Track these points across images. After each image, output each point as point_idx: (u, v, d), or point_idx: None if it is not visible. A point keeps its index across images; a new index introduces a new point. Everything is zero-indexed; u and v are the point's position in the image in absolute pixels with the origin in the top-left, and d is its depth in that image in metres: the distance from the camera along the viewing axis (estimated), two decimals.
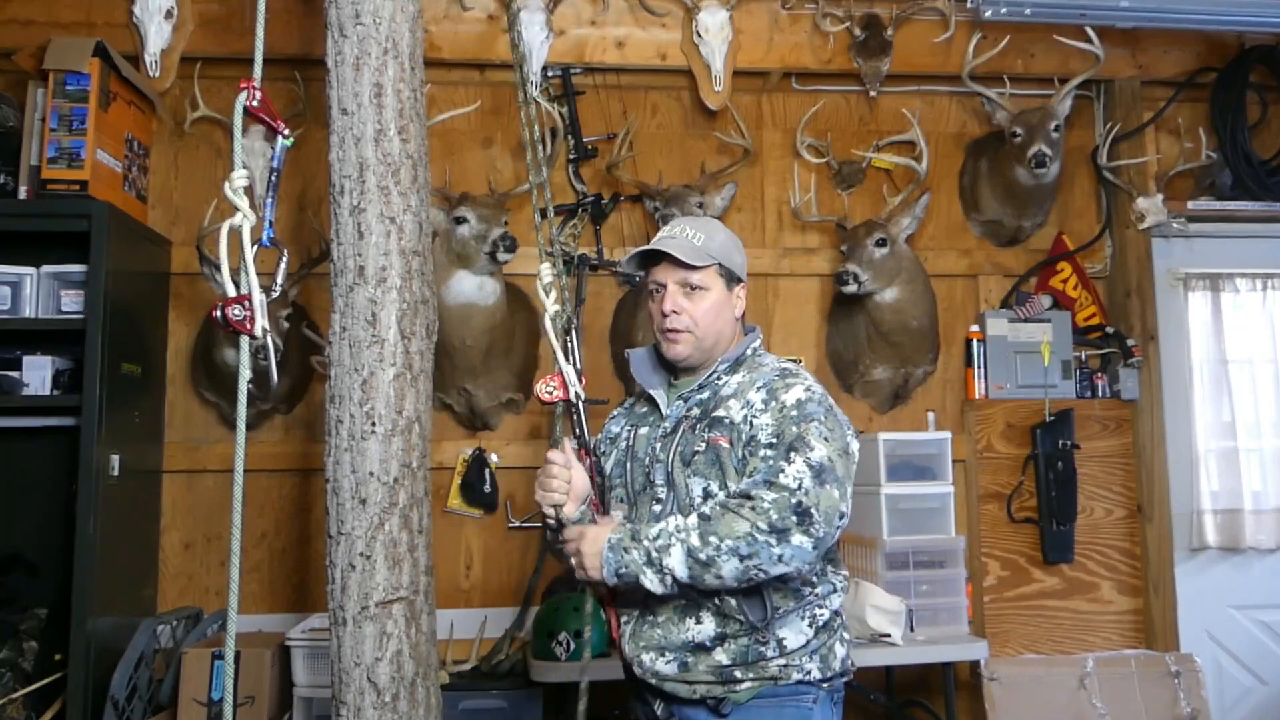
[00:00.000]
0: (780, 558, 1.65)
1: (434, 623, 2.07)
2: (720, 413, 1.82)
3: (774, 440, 1.74)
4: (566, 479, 1.87)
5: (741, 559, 1.65)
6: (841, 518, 1.70)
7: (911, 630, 3.01)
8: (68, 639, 2.66)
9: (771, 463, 1.71)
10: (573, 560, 1.78)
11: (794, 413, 1.76)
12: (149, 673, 2.80)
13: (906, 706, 3.27)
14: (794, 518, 1.64)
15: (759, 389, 1.82)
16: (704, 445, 1.81)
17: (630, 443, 1.93)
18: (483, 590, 3.30)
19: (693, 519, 1.71)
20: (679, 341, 1.88)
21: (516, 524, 3.29)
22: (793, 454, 1.70)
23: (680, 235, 1.90)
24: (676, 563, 1.67)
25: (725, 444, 1.79)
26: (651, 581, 1.69)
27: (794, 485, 1.66)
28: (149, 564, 3.13)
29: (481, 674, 3.01)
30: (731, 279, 1.93)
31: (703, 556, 1.65)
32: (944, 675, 3.03)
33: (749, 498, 1.68)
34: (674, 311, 1.87)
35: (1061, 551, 3.40)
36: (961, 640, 3.06)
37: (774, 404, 1.78)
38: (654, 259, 1.91)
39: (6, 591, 2.90)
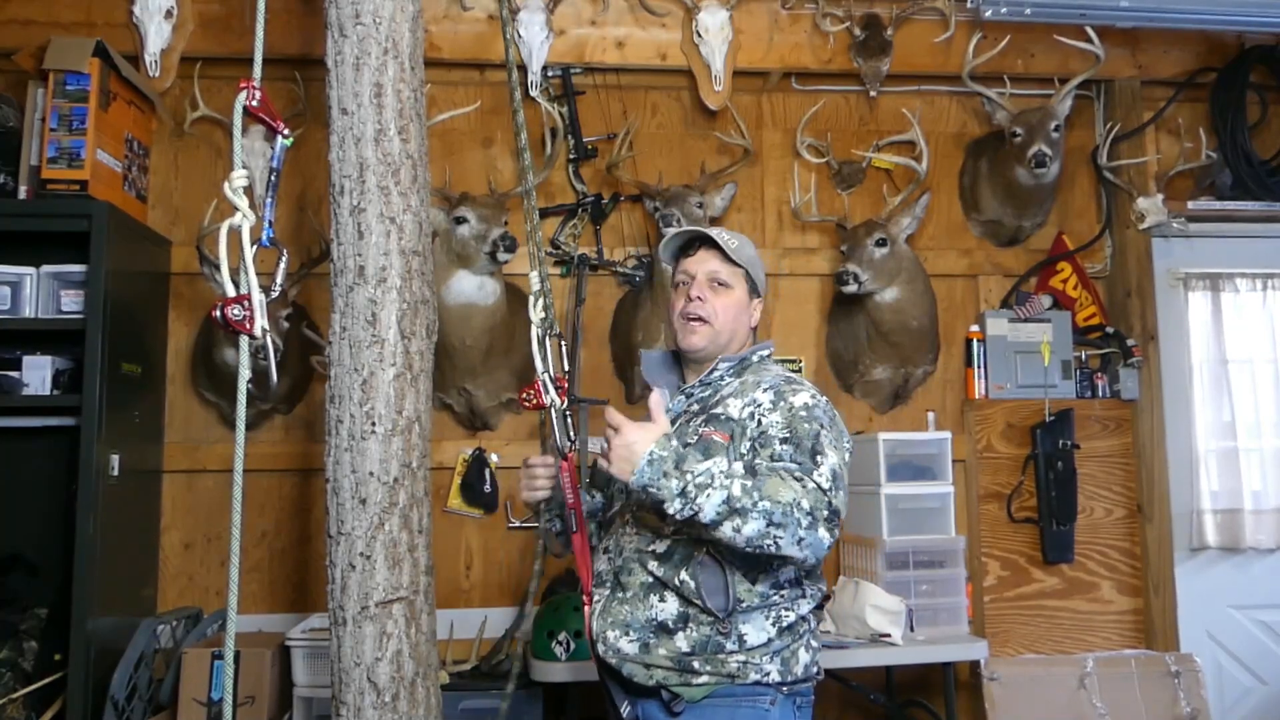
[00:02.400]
0: (800, 540, 1.67)
1: (434, 623, 2.07)
2: (718, 410, 1.87)
3: (788, 435, 1.78)
4: (550, 474, 2.00)
5: (770, 523, 1.66)
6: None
7: (911, 630, 3.01)
8: (68, 639, 2.66)
9: (801, 461, 1.75)
10: (598, 448, 1.75)
11: (803, 413, 1.81)
12: (149, 673, 2.80)
13: (906, 706, 3.27)
14: (825, 513, 1.70)
15: (765, 390, 1.86)
16: (695, 439, 1.85)
17: None
18: (483, 590, 3.30)
19: (739, 467, 1.74)
20: (696, 331, 1.95)
21: (516, 524, 3.29)
22: (818, 457, 1.75)
23: (718, 235, 2.00)
24: (709, 504, 1.66)
25: (720, 438, 1.83)
26: (672, 506, 1.68)
27: (826, 487, 1.72)
28: (149, 564, 3.13)
29: (481, 674, 3.01)
30: (754, 290, 2.01)
31: (738, 505, 1.65)
32: (944, 675, 3.03)
33: (797, 479, 1.70)
34: (700, 298, 1.95)
35: (1061, 551, 3.40)
36: (961, 640, 3.06)
37: (783, 404, 1.83)
38: (687, 251, 2.01)
39: (6, 591, 2.90)
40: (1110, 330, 3.54)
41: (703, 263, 1.97)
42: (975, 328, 3.54)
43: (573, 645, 2.77)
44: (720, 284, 1.96)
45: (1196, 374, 3.67)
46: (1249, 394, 3.67)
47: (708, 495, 1.66)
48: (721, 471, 1.69)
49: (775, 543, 1.67)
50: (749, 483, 1.68)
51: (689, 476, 1.68)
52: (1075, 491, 3.39)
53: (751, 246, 2.05)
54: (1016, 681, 3.12)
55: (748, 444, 1.81)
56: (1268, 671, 3.59)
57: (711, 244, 1.97)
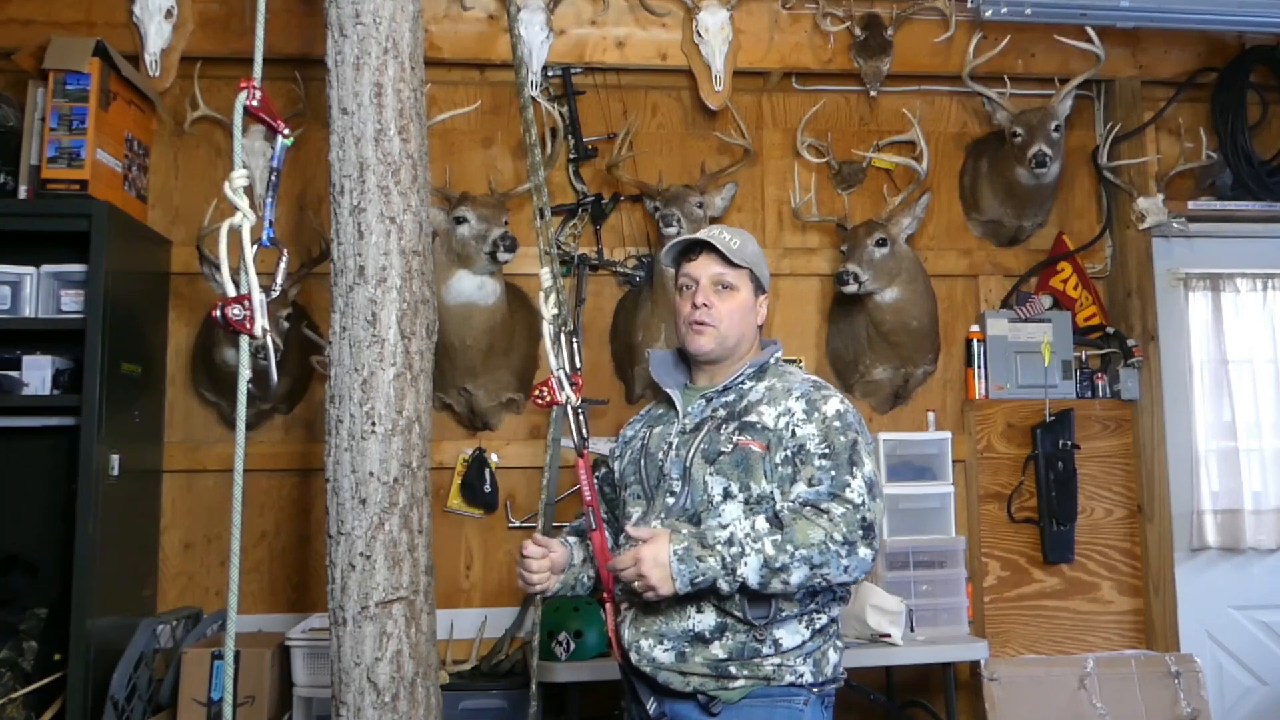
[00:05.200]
0: (846, 568, 1.73)
1: (434, 623, 2.07)
2: (752, 418, 1.87)
3: (826, 451, 1.80)
4: (545, 567, 1.92)
5: (812, 567, 1.71)
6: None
7: (911, 630, 3.01)
8: (68, 639, 2.66)
9: (835, 476, 1.77)
10: (635, 584, 1.74)
11: (837, 423, 1.83)
12: (149, 673, 2.80)
13: (906, 706, 3.27)
14: (860, 532, 1.73)
15: (798, 398, 1.87)
16: (731, 447, 1.84)
17: (645, 441, 1.99)
18: (483, 590, 3.29)
19: (762, 524, 1.74)
20: (704, 334, 1.95)
21: (516, 524, 3.29)
22: (854, 468, 1.78)
23: (719, 237, 1.98)
24: (750, 571, 1.70)
25: (758, 448, 1.83)
26: (724, 584, 1.72)
27: (859, 501, 1.75)
28: (149, 564, 3.13)
29: (481, 674, 3.01)
30: (759, 287, 2.01)
31: (777, 564, 1.70)
32: (944, 675, 3.03)
33: (820, 510, 1.74)
34: (704, 305, 1.94)
35: (1061, 551, 3.40)
36: (961, 640, 3.06)
37: (816, 415, 1.84)
38: (689, 255, 1.99)
39: (6, 591, 2.90)
40: (1110, 330, 3.54)
41: (705, 267, 1.96)
42: (975, 328, 3.54)
43: (573, 645, 2.78)
44: (725, 286, 1.95)
45: (1197, 374, 3.67)
46: (1249, 394, 3.67)
47: (745, 563, 1.70)
48: (745, 534, 1.72)
49: (824, 579, 1.73)
50: (778, 537, 1.71)
51: (719, 549, 1.71)
52: (1075, 492, 3.39)
53: (753, 242, 2.03)
54: (1016, 682, 3.12)
55: (783, 454, 1.82)
56: (1268, 671, 3.59)
57: (713, 247, 1.96)
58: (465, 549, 3.30)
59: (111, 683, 2.64)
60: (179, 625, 3.00)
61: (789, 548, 1.69)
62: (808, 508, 1.75)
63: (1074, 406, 3.46)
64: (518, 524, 3.29)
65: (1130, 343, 3.50)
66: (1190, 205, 3.59)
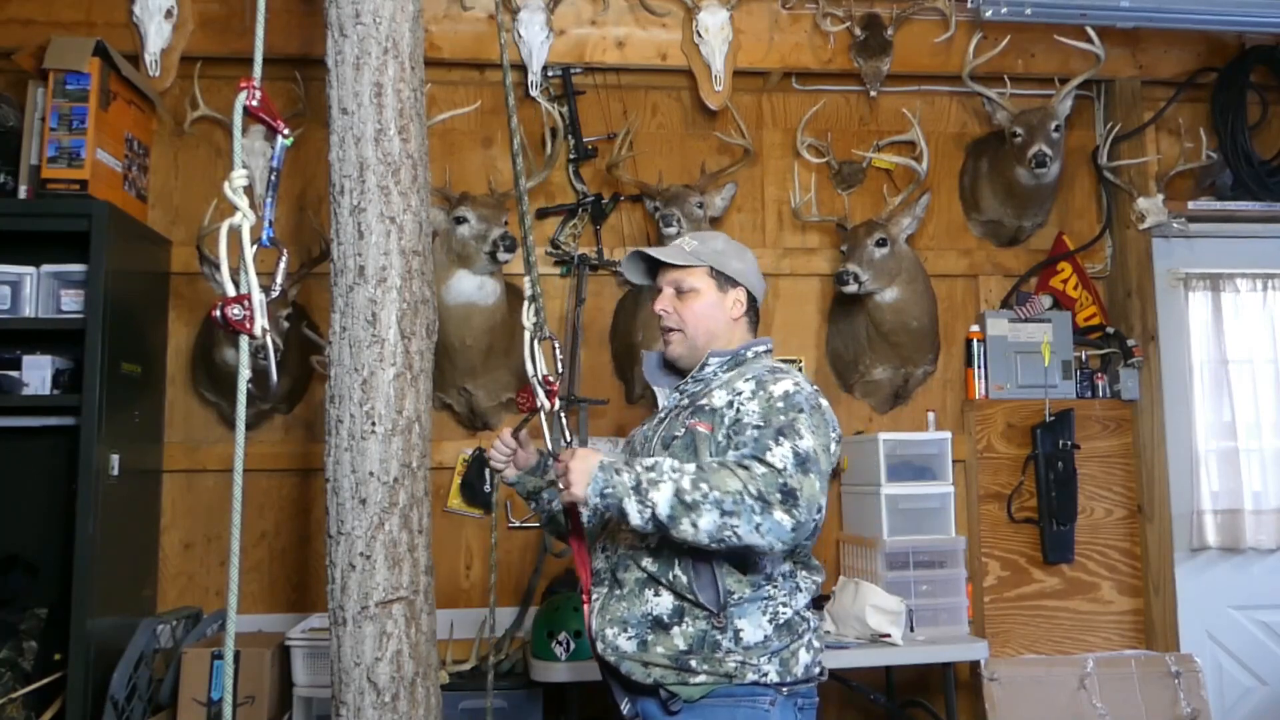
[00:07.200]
0: (758, 527, 1.67)
1: (434, 623, 2.07)
2: (704, 401, 1.89)
3: (761, 424, 1.78)
4: (511, 448, 2.10)
5: (723, 513, 1.66)
6: (819, 511, 1.72)
7: (911, 630, 3.01)
8: (68, 639, 2.66)
9: (758, 440, 1.74)
10: (559, 481, 1.78)
11: (781, 403, 1.80)
12: (149, 673, 2.80)
13: (906, 706, 3.27)
14: (778, 495, 1.67)
15: (748, 380, 1.88)
16: (683, 430, 1.87)
17: (635, 438, 2.05)
18: (483, 590, 3.29)
19: (690, 466, 1.73)
20: (671, 340, 2.00)
21: (516, 524, 3.29)
22: (781, 437, 1.74)
23: (676, 243, 2.05)
24: (662, 498, 1.68)
25: (704, 429, 1.84)
26: (632, 510, 1.70)
27: (780, 466, 1.70)
28: (149, 564, 3.13)
29: (481, 674, 3.01)
30: (725, 282, 2.00)
31: (688, 499, 1.67)
32: (944, 675, 3.03)
33: (741, 465, 1.71)
34: (664, 311, 2.00)
35: (1061, 551, 3.40)
36: (961, 640, 3.05)
37: (762, 393, 1.83)
38: (659, 268, 2.05)
39: (6, 591, 2.90)
40: (1110, 330, 3.54)
41: (665, 274, 2.02)
42: (975, 328, 3.54)
43: (573, 645, 2.77)
44: (683, 290, 1.99)
45: (1197, 374, 3.67)
46: (1249, 394, 3.67)
47: (659, 489, 1.68)
48: (671, 467, 1.71)
49: (734, 533, 1.67)
50: (697, 475, 1.69)
51: (639, 469, 1.71)
52: (1075, 492, 3.39)
53: (719, 239, 2.06)
54: (1016, 682, 3.12)
55: (724, 432, 1.82)
56: (1268, 671, 3.59)
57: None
58: (465, 549, 3.30)
59: (111, 683, 2.64)
60: (179, 625, 3.00)
61: (704, 486, 1.67)
62: (731, 461, 1.74)
63: (1074, 406, 3.46)
64: (518, 524, 3.28)
65: (1130, 343, 3.50)
66: (1190, 205, 3.59)
